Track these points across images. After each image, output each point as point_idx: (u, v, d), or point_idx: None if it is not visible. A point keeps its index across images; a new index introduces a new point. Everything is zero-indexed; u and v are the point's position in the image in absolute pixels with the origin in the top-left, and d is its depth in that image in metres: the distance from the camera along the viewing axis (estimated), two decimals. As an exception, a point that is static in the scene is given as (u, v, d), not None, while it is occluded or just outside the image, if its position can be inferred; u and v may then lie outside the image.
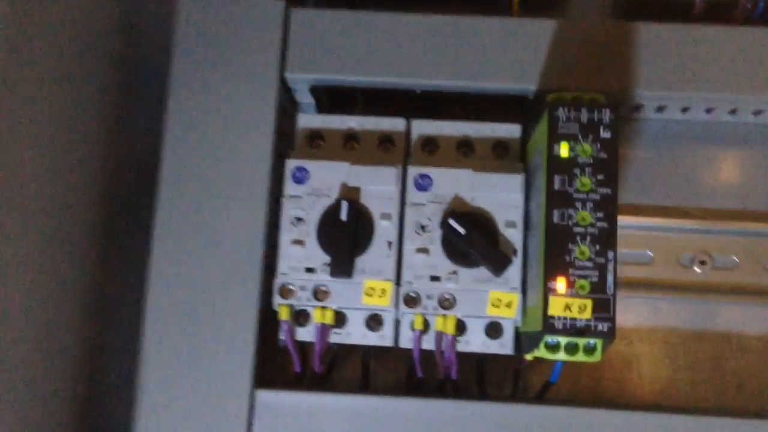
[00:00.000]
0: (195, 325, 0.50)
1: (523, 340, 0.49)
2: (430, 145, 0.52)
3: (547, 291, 0.41)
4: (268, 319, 0.51)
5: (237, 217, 0.51)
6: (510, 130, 0.52)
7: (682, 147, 0.56)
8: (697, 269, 0.54)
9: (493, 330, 0.50)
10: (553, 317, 0.41)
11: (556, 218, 0.42)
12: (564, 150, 0.42)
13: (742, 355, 0.56)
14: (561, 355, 0.43)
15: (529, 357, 0.49)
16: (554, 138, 0.42)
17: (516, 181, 0.49)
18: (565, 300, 0.41)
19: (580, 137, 0.42)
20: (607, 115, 0.42)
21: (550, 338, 0.43)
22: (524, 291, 0.48)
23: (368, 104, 0.55)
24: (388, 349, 0.53)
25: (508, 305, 0.48)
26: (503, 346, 0.50)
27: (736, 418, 0.48)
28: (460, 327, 0.50)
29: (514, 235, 0.48)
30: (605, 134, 0.42)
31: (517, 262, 0.48)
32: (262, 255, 0.51)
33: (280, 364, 0.53)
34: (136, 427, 0.49)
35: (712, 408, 0.55)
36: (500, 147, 0.52)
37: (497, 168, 0.50)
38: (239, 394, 0.49)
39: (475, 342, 0.50)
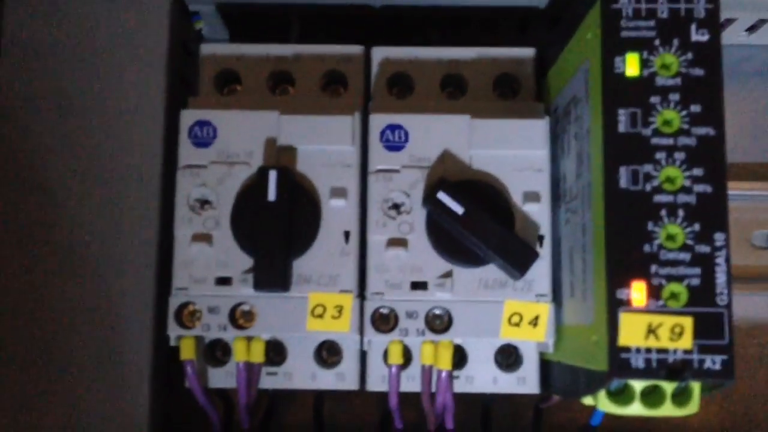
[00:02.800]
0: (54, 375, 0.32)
1: (556, 371, 0.32)
2: (400, 83, 0.35)
3: (615, 304, 0.24)
4: (171, 356, 0.33)
5: (115, 206, 0.33)
6: (519, 56, 0.35)
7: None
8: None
9: (507, 357, 0.33)
10: (627, 349, 0.24)
11: (623, 181, 0.25)
12: (632, 65, 0.25)
13: None
14: (634, 408, 0.26)
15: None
16: (614, 47, 0.25)
17: (537, 129, 0.32)
18: (647, 319, 0.24)
19: (657, 43, 0.25)
20: (702, 4, 0.25)
21: (614, 384, 0.26)
22: (555, 299, 0.31)
23: (306, 36, 0.38)
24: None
25: (534, 322, 0.31)
26: (524, 382, 0.33)
27: None
28: (458, 354, 0.33)
29: (537, 214, 0.32)
30: (700, 35, 0.25)
31: (544, 254, 0.31)
32: (155, 262, 0.33)
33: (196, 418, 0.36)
34: None
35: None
36: (505, 82, 0.35)
37: (505, 112, 0.33)
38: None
39: (482, 378, 0.33)
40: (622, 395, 0.27)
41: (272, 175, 0.31)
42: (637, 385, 0.26)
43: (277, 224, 0.31)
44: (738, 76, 0.40)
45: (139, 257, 0.33)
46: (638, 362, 0.24)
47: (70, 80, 0.34)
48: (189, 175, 0.32)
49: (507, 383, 0.33)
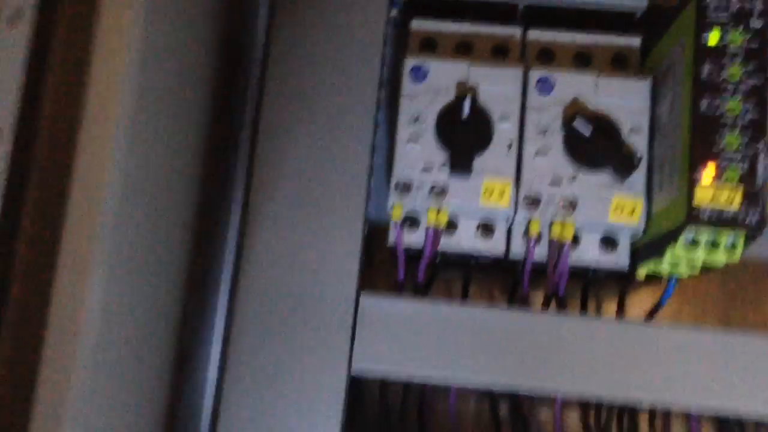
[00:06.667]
0: (301, 229, 0.48)
1: (643, 252, 0.47)
2: (545, 56, 0.51)
3: (693, 180, 0.40)
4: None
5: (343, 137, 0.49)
6: (629, 42, 0.51)
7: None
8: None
9: (608, 244, 0.49)
10: (698, 207, 0.40)
11: (703, 107, 0.41)
12: (713, 38, 0.41)
13: None
14: (699, 253, 0.42)
15: (643, 272, 0.48)
16: (703, 26, 0.41)
17: (643, 86, 0.48)
18: (713, 189, 0.40)
19: (730, 26, 0.41)
20: (758, 3, 0.41)
21: (689, 234, 0.41)
22: (647, 196, 0.47)
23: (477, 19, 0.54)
24: (489, 264, 0.52)
25: (632, 211, 0.46)
26: (618, 262, 0.49)
27: None
28: (574, 239, 0.48)
29: (639, 142, 0.47)
30: (756, 23, 0.41)
31: (641, 168, 0.47)
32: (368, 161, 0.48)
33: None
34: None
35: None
36: (618, 60, 0.51)
37: (620, 76, 0.49)
38: (345, 300, 0.47)
39: (589, 255, 0.49)
40: (692, 246, 0.42)
41: (467, 101, 0.47)
42: (703, 237, 0.41)
43: (466, 132, 0.47)
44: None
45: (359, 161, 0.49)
46: (705, 215, 0.40)
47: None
48: (408, 101, 0.48)
49: (607, 261, 0.49)
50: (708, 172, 0.40)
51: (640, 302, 0.56)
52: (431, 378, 0.47)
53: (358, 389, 0.54)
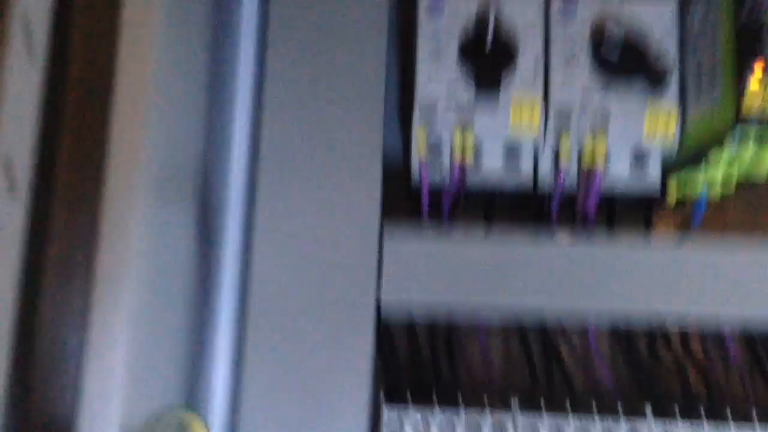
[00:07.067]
0: (314, 162, 0.46)
1: (676, 171, 0.46)
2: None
3: (742, 78, 0.39)
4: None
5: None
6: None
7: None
8: None
9: (638, 164, 0.47)
10: (748, 108, 0.38)
11: (743, 17, 0.39)
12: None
13: None
14: (742, 162, 0.40)
15: (674, 195, 0.47)
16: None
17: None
18: (761, 91, 0.38)
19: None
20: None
21: (735, 138, 0.40)
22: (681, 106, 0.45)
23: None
24: (511, 200, 0.50)
25: (666, 122, 0.45)
26: (648, 179, 0.47)
27: None
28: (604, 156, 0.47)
29: (669, 53, 0.45)
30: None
31: (674, 77, 0.45)
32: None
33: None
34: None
35: None
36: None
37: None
38: (368, 237, 0.45)
39: (619, 176, 0.47)
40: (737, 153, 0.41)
41: (491, 21, 0.45)
42: (751, 138, 0.40)
43: (491, 48, 0.45)
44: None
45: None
46: (754, 116, 0.38)
47: None
48: (429, 15, 0.46)
49: (636, 183, 0.47)
50: (755, 76, 0.39)
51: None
52: (460, 311, 0.45)
53: (386, 335, 0.52)
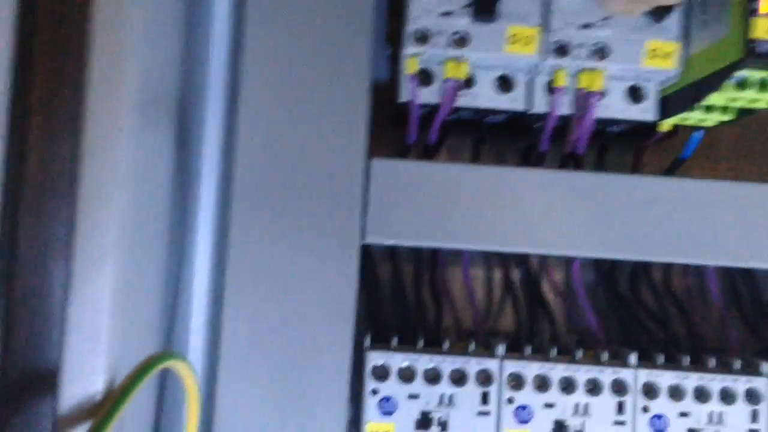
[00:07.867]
0: (301, 92, 0.43)
1: (674, 101, 0.45)
2: None
3: (749, 11, 0.37)
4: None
5: None
6: None
7: None
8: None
9: (635, 94, 0.46)
10: (755, 41, 0.37)
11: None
12: None
13: None
14: (750, 93, 0.39)
15: (671, 122, 0.46)
16: None
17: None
18: (771, 21, 0.37)
19: None
20: None
21: (739, 74, 0.39)
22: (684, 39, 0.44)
23: None
24: (501, 125, 0.49)
25: (667, 55, 0.43)
26: (645, 112, 0.46)
27: None
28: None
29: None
30: None
31: (677, 11, 0.43)
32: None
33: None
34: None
35: None
36: None
37: None
38: (354, 164, 0.43)
39: (615, 106, 0.46)
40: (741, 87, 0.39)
41: (489, -64, 0.42)
42: (753, 75, 0.39)
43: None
44: None
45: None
46: (764, 48, 0.37)
47: None
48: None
49: (633, 112, 0.46)
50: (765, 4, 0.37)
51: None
52: (445, 241, 0.45)
53: (370, 260, 0.51)
